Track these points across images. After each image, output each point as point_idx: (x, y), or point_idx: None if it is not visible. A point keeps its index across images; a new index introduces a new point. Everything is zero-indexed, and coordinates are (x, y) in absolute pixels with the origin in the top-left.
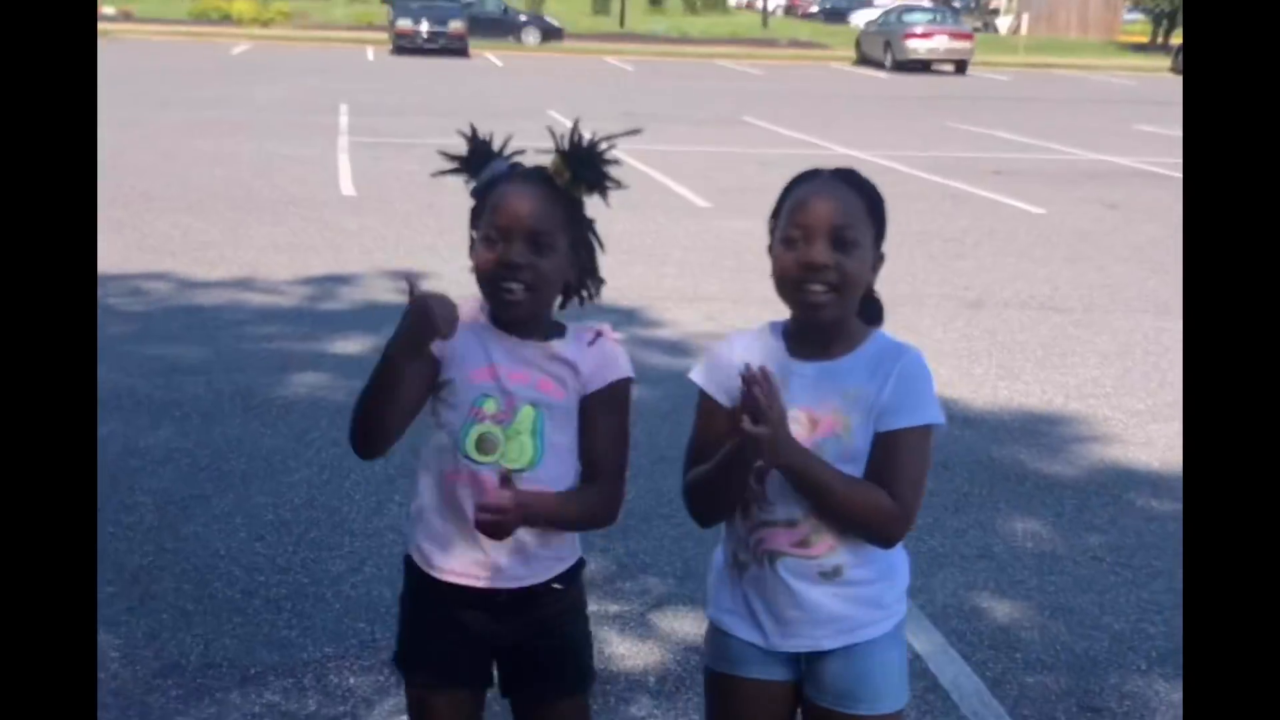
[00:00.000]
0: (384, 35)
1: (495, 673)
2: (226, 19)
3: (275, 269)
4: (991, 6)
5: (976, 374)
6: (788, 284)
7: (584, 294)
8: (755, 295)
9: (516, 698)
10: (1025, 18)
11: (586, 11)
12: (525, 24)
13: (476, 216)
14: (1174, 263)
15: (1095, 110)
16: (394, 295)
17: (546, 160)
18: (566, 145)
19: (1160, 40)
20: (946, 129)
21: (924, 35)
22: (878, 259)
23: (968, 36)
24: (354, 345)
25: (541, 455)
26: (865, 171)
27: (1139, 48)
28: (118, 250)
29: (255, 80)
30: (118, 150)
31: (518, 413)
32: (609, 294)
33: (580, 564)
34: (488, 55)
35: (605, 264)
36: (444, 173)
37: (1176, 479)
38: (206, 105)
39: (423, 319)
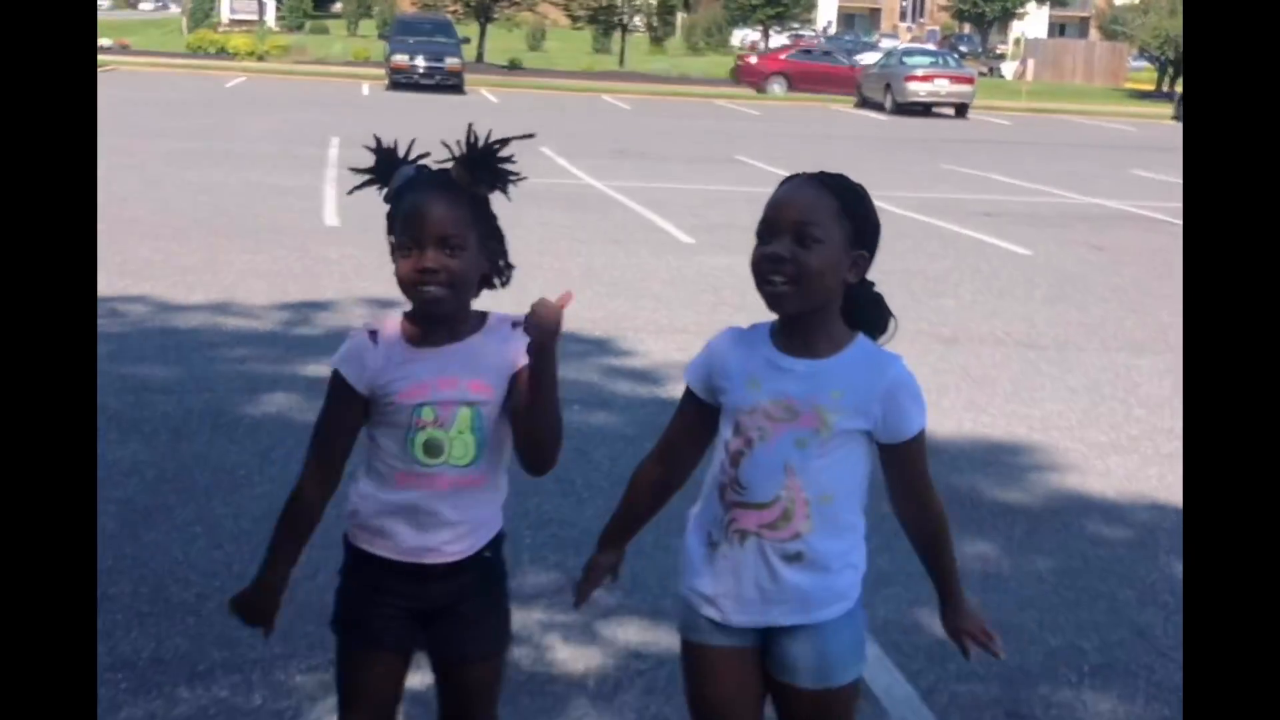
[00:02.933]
0: (380, 71)
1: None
2: (223, 52)
3: (253, 294)
4: (997, 52)
5: (944, 406)
6: (755, 275)
7: (498, 280)
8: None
9: (440, 657)
10: (1030, 64)
11: (587, 50)
12: None
13: (392, 223)
14: (1153, 303)
15: (1093, 155)
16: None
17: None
18: (463, 150)
19: (1166, 88)
20: (941, 171)
21: (925, 78)
22: (856, 259)
23: (969, 80)
24: (325, 367)
25: (483, 450)
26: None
27: (1144, 95)
28: (98, 273)
29: (247, 113)
30: (104, 177)
31: (455, 416)
32: (584, 324)
33: (502, 534)
34: (483, 92)
35: (582, 292)
36: (357, 187)
37: (1129, 507)
38: (196, 136)
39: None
